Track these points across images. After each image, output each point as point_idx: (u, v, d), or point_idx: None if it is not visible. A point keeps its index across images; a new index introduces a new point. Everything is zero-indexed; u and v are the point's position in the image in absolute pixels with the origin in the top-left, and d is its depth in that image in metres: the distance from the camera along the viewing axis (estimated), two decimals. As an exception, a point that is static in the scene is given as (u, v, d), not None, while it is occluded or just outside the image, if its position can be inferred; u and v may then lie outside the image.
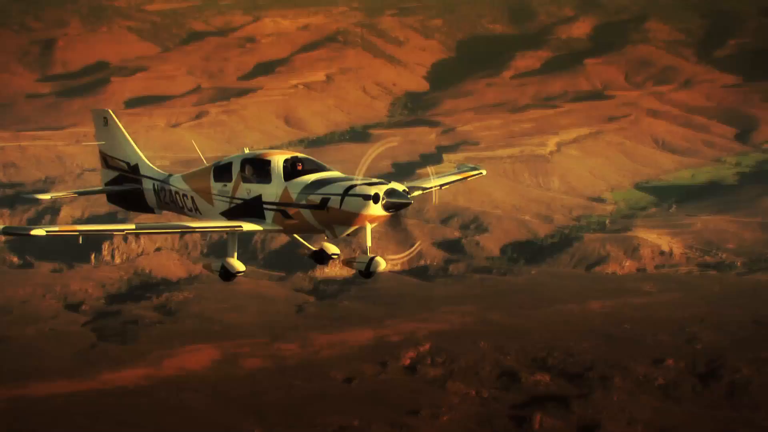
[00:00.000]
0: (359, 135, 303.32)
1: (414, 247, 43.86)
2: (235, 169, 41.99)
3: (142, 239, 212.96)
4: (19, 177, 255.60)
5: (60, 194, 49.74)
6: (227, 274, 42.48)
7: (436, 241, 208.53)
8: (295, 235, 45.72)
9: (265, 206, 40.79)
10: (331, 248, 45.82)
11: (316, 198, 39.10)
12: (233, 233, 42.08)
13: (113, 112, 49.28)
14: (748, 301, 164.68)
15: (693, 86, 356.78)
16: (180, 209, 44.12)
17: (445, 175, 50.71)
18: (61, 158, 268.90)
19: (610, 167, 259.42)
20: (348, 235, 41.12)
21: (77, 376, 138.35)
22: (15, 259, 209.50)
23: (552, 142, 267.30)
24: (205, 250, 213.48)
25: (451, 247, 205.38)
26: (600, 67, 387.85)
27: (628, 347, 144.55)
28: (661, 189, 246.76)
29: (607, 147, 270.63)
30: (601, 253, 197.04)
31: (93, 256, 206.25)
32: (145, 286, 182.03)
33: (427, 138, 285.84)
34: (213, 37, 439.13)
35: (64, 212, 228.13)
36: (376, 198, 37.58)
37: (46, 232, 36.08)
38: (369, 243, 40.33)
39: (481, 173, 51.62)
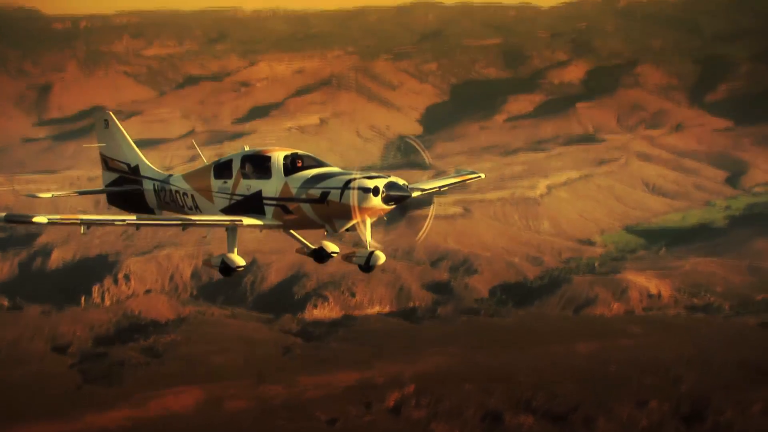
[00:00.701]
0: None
1: (429, 220, 44.15)
2: (236, 166, 42.53)
3: (133, 281, 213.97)
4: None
5: (61, 193, 49.03)
6: (227, 268, 42.88)
7: (425, 283, 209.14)
8: (295, 234, 46.23)
9: (265, 202, 41.24)
10: (331, 246, 46.32)
11: (316, 192, 39.56)
12: (233, 229, 42.72)
13: (113, 114, 50.26)
14: (734, 344, 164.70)
15: (684, 130, 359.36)
16: (180, 208, 44.39)
17: (443, 178, 51.45)
18: (53, 201, 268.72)
19: (601, 210, 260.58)
20: (347, 230, 41.68)
21: (62, 418, 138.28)
22: (5, 302, 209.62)
23: (542, 184, 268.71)
24: (194, 292, 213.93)
25: (440, 289, 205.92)
26: (592, 110, 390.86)
27: (613, 389, 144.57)
28: (650, 232, 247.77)
29: (597, 190, 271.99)
30: (589, 296, 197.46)
31: (83, 298, 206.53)
32: (133, 328, 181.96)
33: (418, 180, 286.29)
34: (208, 81, 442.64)
35: (56, 254, 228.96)
36: (375, 191, 38.04)
37: (48, 219, 36.73)
38: (368, 238, 40.68)
39: (479, 176, 52.50)
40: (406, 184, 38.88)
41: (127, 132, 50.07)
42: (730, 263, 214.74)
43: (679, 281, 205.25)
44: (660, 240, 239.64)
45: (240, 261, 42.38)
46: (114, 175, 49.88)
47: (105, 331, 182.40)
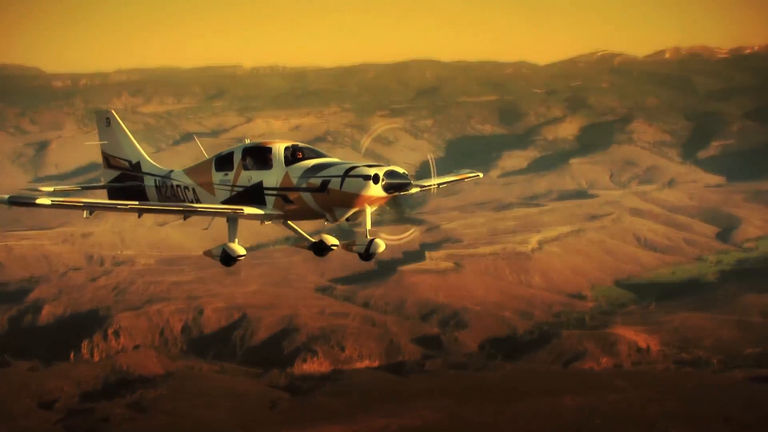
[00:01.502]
0: (345, 233, 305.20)
1: (410, 232, 44.57)
2: (237, 158, 43.19)
3: (122, 337, 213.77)
4: (4, 276, 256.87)
5: (62, 188, 48.42)
6: (228, 258, 43.35)
7: (415, 337, 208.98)
8: (295, 227, 46.77)
9: (266, 192, 41.81)
10: (330, 239, 46.97)
11: (316, 181, 40.15)
12: (234, 219, 43.23)
13: (115, 113, 51.09)
14: (721, 398, 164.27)
15: (676, 186, 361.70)
16: (181, 203, 44.60)
17: (444, 176, 52.15)
18: (47, 257, 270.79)
19: (592, 264, 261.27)
20: (347, 219, 42.20)
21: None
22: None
23: (534, 239, 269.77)
24: (184, 347, 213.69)
25: (430, 343, 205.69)
26: (585, 166, 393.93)
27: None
28: (641, 286, 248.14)
29: (588, 244, 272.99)
30: (578, 350, 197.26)
31: (72, 354, 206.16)
32: (120, 384, 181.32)
33: (411, 235, 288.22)
34: (205, 137, 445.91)
35: (46, 310, 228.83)
36: (375, 179, 38.64)
37: (51, 201, 37.60)
38: (369, 226, 41.26)
39: (478, 176, 53.23)
40: (406, 172, 39.60)
41: (127, 131, 51.02)
42: (720, 318, 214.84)
43: (668, 335, 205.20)
44: (650, 294, 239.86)
45: (240, 250, 42.95)
46: (115, 173, 50.54)
47: (92, 386, 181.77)
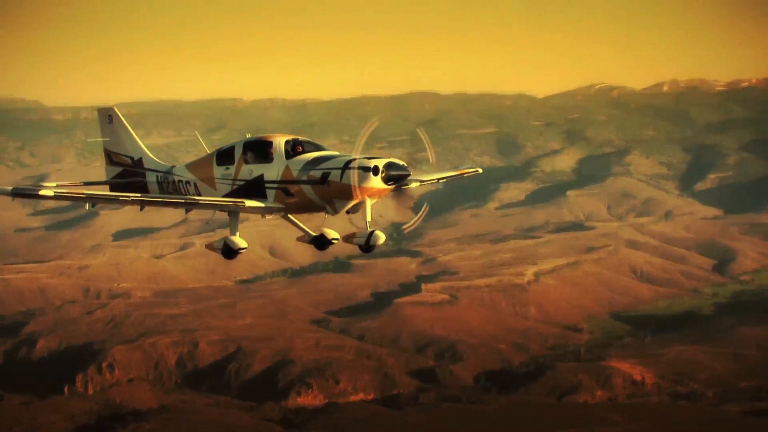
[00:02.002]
0: (342, 265, 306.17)
1: (421, 212, 44.72)
2: (238, 153, 43.67)
3: (117, 370, 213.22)
4: (0, 309, 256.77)
5: (65, 183, 47.66)
6: (229, 251, 43.74)
7: (410, 370, 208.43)
8: (296, 221, 47.10)
9: (266, 185, 42.28)
10: (331, 233, 47.52)
11: (317, 173, 40.62)
12: (235, 213, 43.53)
13: (117, 110, 51.49)
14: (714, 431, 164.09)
15: (673, 218, 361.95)
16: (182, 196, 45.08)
17: (443, 171, 52.49)
18: (43, 290, 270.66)
19: (588, 297, 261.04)
20: (348, 211, 42.50)
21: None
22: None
23: (530, 271, 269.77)
24: (179, 380, 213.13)
25: (425, 375, 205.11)
26: (582, 198, 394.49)
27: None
28: (637, 319, 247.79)
29: (585, 277, 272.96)
30: (573, 383, 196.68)
31: (66, 388, 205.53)
32: (114, 417, 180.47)
33: (407, 268, 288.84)
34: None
35: (41, 343, 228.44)
36: (375, 170, 39.15)
37: (54, 192, 37.81)
38: (369, 218, 41.79)
39: (477, 171, 53.69)
40: (405, 164, 40.02)
41: (131, 128, 51.38)
42: (715, 351, 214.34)
43: (663, 368, 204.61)
44: (646, 327, 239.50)
45: (242, 243, 43.41)
46: (117, 169, 51.11)
47: (85, 420, 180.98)
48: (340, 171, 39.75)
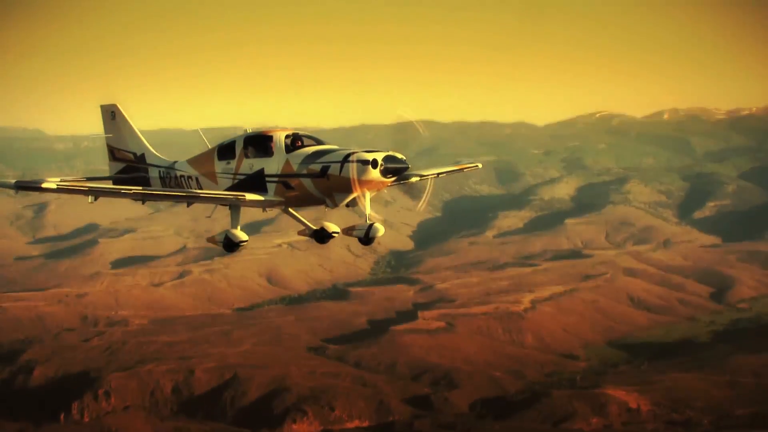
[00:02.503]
0: (340, 293, 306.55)
1: (423, 198, 45.63)
2: (238, 147, 44.50)
3: (113, 397, 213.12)
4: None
5: (68, 179, 47.31)
6: (230, 243, 44.45)
7: (405, 397, 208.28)
8: (297, 215, 47.74)
9: (267, 179, 43.06)
10: (332, 227, 48.40)
11: (316, 167, 41.39)
12: (236, 206, 44.22)
13: (120, 106, 52.20)
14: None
15: (671, 246, 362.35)
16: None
17: (443, 166, 53.37)
18: (41, 318, 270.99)
19: (585, 324, 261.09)
20: (347, 205, 43.13)
21: None
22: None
23: (527, 299, 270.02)
24: (175, 408, 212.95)
25: (420, 403, 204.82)
26: (581, 226, 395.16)
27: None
28: (634, 346, 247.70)
29: (581, 304, 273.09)
30: (568, 410, 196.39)
31: (62, 416, 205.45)
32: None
33: (404, 295, 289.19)
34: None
35: (38, 371, 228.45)
36: (374, 163, 39.87)
37: (57, 185, 38.43)
38: (368, 211, 42.47)
39: (477, 166, 54.36)
40: (404, 158, 40.73)
41: (134, 124, 51.98)
42: (712, 378, 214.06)
43: (659, 396, 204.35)
44: (643, 354, 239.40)
45: (242, 236, 44.19)
46: (121, 165, 51.89)
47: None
48: (339, 164, 40.58)
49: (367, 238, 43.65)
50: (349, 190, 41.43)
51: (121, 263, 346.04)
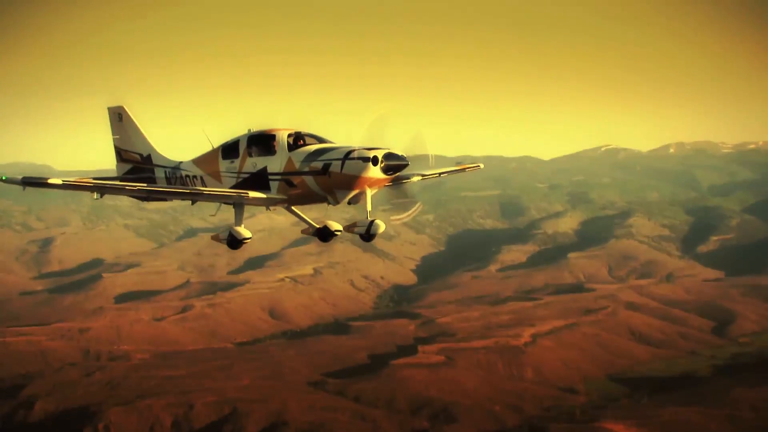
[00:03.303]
0: (342, 327, 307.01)
1: (414, 208, 46.15)
2: (242, 146, 45.62)
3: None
4: (0, 372, 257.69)
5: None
6: (234, 241, 45.54)
7: (404, 431, 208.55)
8: (300, 213, 48.73)
9: (270, 177, 44.15)
10: (334, 225, 49.46)
11: (318, 164, 42.40)
12: (240, 204, 45.23)
13: (127, 108, 53.33)
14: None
15: (674, 280, 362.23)
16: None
17: (445, 166, 54.53)
18: (43, 353, 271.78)
19: (585, 358, 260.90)
20: (349, 203, 44.04)
21: None
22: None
23: (527, 333, 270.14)
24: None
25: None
26: (583, 260, 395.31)
27: None
28: (634, 380, 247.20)
29: (582, 338, 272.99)
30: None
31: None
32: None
33: (405, 330, 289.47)
34: (207, 232, 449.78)
35: (39, 406, 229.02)
36: (375, 160, 40.87)
37: (63, 181, 39.86)
38: (369, 207, 43.52)
39: (479, 167, 55.39)
40: (404, 155, 41.70)
41: (140, 125, 53.01)
42: (710, 412, 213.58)
43: (658, 429, 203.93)
44: (643, 388, 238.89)
45: (246, 233, 45.34)
46: (127, 166, 53.07)
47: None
48: (340, 161, 41.62)
49: (368, 234, 44.65)
50: (351, 187, 42.45)
51: (124, 298, 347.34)
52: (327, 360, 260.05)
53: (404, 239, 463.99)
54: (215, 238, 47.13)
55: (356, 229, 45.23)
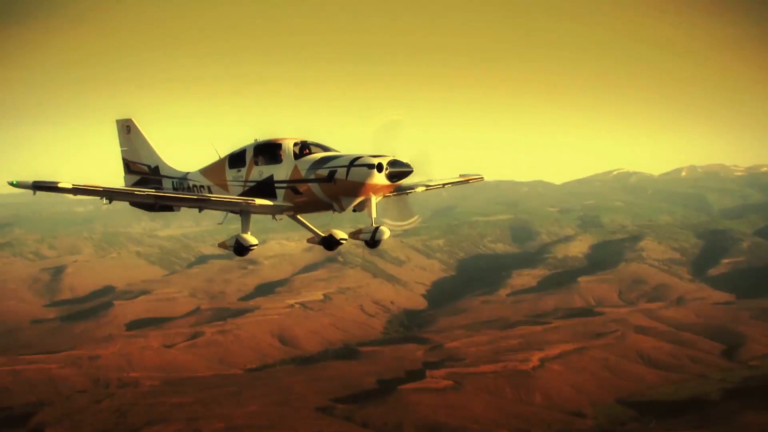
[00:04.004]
0: (351, 353, 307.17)
1: (413, 219, 46.90)
2: (249, 156, 46.33)
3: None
4: (10, 401, 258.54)
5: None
6: (241, 248, 46.29)
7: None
8: (305, 222, 49.30)
9: (276, 185, 44.82)
10: (339, 234, 50.06)
11: (323, 172, 43.09)
12: (246, 212, 45.92)
13: (135, 120, 54.27)
14: None
15: (684, 303, 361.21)
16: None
17: (448, 178, 55.30)
18: (53, 381, 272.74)
19: (593, 382, 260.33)
20: (354, 209, 44.66)
21: None
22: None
23: (536, 357, 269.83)
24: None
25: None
26: (593, 284, 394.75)
27: None
28: (642, 404, 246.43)
29: (591, 362, 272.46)
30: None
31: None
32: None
33: (414, 355, 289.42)
34: (218, 260, 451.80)
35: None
36: (379, 167, 41.57)
37: (72, 185, 40.26)
38: (374, 214, 44.05)
39: (481, 178, 56.30)
40: (409, 162, 42.43)
41: (148, 137, 53.81)
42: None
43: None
44: (651, 412, 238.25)
45: (253, 240, 46.12)
46: (136, 177, 53.91)
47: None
48: (346, 169, 42.29)
49: (373, 240, 45.18)
50: (356, 194, 42.95)
51: (135, 325, 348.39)
52: (335, 385, 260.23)
53: (415, 264, 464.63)
54: (222, 245, 48.23)
55: (361, 236, 46.04)
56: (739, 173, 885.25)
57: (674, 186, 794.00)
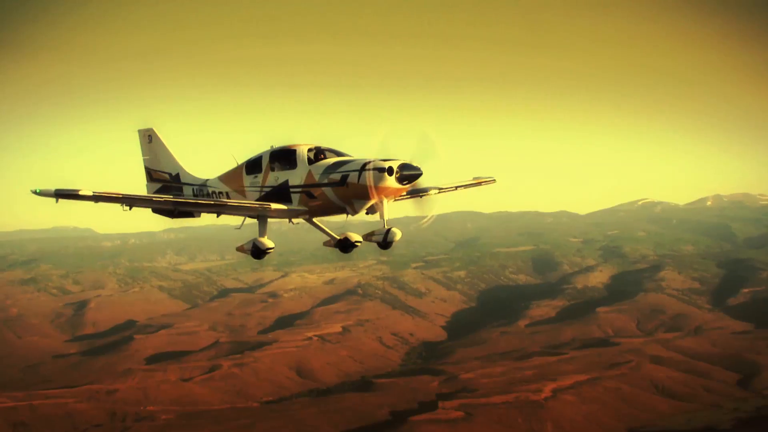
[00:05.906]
0: (367, 384, 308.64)
1: (429, 217, 48.78)
2: (265, 162, 48.70)
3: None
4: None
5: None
6: (258, 251, 48.57)
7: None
8: (321, 226, 51.54)
9: (291, 190, 47.14)
10: (354, 236, 52.14)
11: (336, 176, 45.40)
12: (263, 217, 48.31)
13: (156, 130, 56.81)
14: None
15: (702, 333, 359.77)
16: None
17: (461, 181, 56.92)
18: (70, 415, 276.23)
19: (606, 413, 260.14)
20: (367, 212, 46.85)
21: None
22: None
23: (548, 388, 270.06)
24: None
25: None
26: (612, 314, 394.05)
27: None
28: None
29: (604, 392, 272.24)
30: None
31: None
32: None
33: (428, 386, 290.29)
34: (239, 293, 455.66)
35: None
36: (390, 171, 43.85)
37: (93, 193, 42.07)
38: (386, 216, 46.25)
39: (493, 180, 58.35)
40: (419, 166, 44.71)
41: (169, 146, 56.22)
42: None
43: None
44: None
45: (269, 243, 48.54)
46: (157, 185, 56.32)
47: None
48: (357, 172, 44.45)
49: (385, 242, 46.23)
50: (368, 197, 44.97)
51: (154, 359, 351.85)
52: (348, 417, 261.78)
53: (435, 296, 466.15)
54: (240, 249, 50.20)
55: (374, 238, 47.78)
56: (765, 202, 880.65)
57: (699, 215, 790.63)
